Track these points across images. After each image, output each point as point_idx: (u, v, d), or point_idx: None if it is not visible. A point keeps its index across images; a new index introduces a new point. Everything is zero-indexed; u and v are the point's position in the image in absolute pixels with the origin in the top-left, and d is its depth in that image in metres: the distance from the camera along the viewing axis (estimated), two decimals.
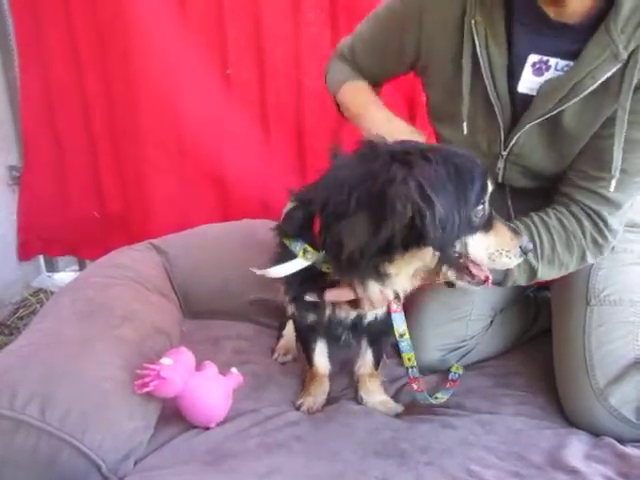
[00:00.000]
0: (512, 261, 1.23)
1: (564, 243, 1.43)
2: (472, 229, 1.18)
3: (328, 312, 1.40)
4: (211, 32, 2.42)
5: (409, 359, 1.52)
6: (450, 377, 1.70)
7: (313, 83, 2.40)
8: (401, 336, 1.48)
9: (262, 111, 2.53)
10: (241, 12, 2.38)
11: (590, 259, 1.46)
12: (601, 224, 1.42)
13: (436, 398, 1.56)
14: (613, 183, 1.36)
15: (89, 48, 2.51)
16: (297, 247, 1.27)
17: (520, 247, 1.23)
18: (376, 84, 1.71)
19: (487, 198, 1.19)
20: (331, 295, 1.32)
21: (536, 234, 1.42)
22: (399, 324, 1.48)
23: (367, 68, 1.68)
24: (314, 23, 2.35)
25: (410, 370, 1.53)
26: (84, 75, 2.58)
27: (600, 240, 1.44)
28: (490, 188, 1.20)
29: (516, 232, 1.25)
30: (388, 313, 1.48)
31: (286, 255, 1.30)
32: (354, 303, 1.34)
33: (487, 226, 1.21)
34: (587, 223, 1.42)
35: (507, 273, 1.42)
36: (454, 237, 1.15)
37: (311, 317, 1.45)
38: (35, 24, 2.54)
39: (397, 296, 1.30)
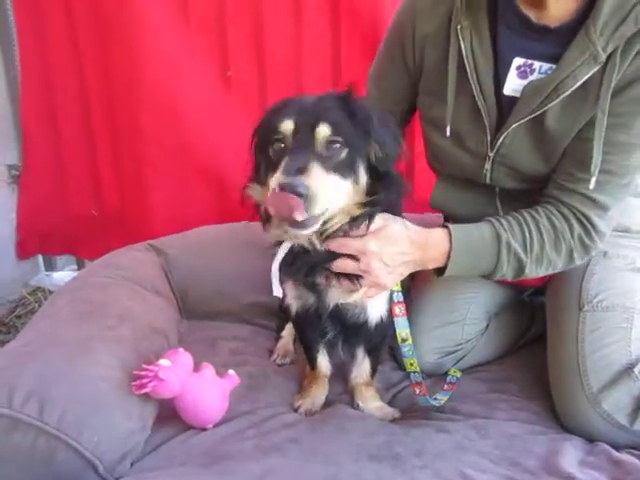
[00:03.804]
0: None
1: (553, 242, 1.45)
2: (269, 160, 1.24)
3: (329, 300, 1.41)
4: (212, 33, 2.43)
5: (411, 364, 1.52)
6: (448, 380, 1.71)
7: (313, 84, 2.41)
8: (403, 341, 1.49)
9: (262, 113, 2.53)
10: (242, 13, 2.39)
11: (577, 259, 1.49)
12: (589, 226, 1.44)
13: (435, 399, 1.57)
14: (592, 181, 1.39)
15: (90, 48, 2.53)
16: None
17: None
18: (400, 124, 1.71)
19: (282, 136, 1.22)
20: (337, 265, 1.34)
21: (527, 231, 1.44)
22: (402, 328, 1.48)
23: (386, 104, 1.67)
24: (315, 25, 2.36)
25: (412, 375, 1.53)
26: (85, 75, 2.59)
27: (587, 241, 1.46)
28: (284, 128, 1.21)
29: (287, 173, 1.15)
30: (390, 318, 1.49)
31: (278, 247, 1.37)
32: (352, 283, 1.37)
33: (277, 165, 1.19)
34: (576, 224, 1.45)
35: (496, 265, 1.44)
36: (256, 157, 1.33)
37: (310, 303, 1.45)
38: (37, 24, 2.55)
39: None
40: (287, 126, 1.21)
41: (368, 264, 1.32)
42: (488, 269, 1.46)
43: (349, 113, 1.25)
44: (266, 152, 1.26)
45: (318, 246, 1.31)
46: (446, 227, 1.43)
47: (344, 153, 1.22)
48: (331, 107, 1.25)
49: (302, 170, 1.14)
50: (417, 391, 1.54)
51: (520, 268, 1.46)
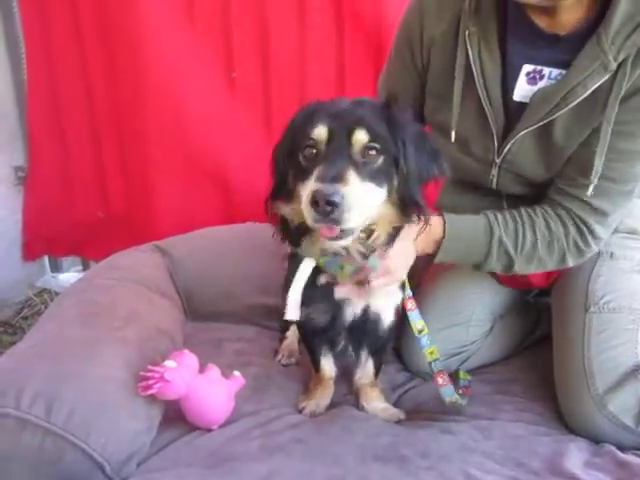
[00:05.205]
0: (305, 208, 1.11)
1: (546, 244, 1.47)
2: (298, 168, 1.20)
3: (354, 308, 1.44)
4: (217, 35, 2.44)
5: (431, 353, 1.52)
6: (461, 384, 1.70)
7: (317, 86, 2.41)
8: (420, 332, 1.51)
9: (267, 114, 2.55)
10: (247, 16, 2.40)
11: (570, 262, 1.50)
12: (586, 231, 1.46)
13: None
14: (590, 188, 1.40)
15: (96, 52, 2.54)
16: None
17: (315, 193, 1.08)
18: None
19: (315, 142, 1.17)
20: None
21: (521, 230, 1.46)
22: (416, 321, 1.50)
23: None
24: (319, 27, 2.37)
25: (433, 364, 1.53)
26: (91, 78, 2.61)
27: (582, 246, 1.47)
28: (318, 134, 1.16)
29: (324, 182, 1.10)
30: (399, 317, 1.51)
31: (295, 265, 1.36)
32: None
33: (309, 173, 1.15)
34: (572, 228, 1.46)
35: (485, 258, 1.47)
36: (281, 167, 1.27)
37: (321, 313, 1.45)
38: (43, 28, 2.58)
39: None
40: (320, 131, 1.16)
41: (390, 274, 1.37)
42: (477, 260, 1.50)
43: (386, 120, 1.21)
44: (295, 159, 1.21)
45: (359, 259, 1.29)
46: (442, 215, 1.46)
47: (380, 160, 1.18)
48: (367, 112, 1.21)
49: (338, 178, 1.09)
50: (440, 381, 1.52)
51: (509, 264, 1.49)
